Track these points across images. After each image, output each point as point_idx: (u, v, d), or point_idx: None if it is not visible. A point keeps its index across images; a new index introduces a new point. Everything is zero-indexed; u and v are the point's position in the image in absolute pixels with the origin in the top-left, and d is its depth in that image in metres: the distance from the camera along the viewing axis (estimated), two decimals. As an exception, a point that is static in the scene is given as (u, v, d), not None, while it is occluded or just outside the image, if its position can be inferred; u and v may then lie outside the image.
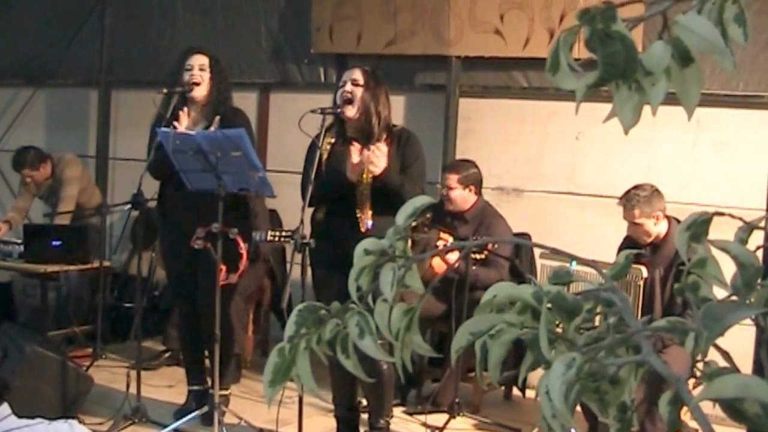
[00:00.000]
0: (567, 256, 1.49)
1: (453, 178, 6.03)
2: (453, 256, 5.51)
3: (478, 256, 5.80)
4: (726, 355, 1.24)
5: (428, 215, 5.88)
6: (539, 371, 1.24)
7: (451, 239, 5.82)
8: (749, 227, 1.28)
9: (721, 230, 1.36)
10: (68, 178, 7.51)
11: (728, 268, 1.29)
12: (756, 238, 1.31)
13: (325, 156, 5.09)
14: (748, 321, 1.19)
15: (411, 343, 1.35)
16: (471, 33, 6.75)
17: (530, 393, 6.20)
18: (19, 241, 7.00)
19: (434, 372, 6.36)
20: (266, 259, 6.79)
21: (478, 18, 6.72)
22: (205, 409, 5.30)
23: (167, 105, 5.40)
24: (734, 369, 1.19)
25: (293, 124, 4.93)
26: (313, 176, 4.85)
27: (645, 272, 5.02)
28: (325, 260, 4.97)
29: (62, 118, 9.12)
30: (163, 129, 5.18)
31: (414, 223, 1.42)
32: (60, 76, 8.93)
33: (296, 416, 4.82)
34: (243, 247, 5.33)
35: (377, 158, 4.82)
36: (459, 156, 6.79)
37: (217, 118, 5.36)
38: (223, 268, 5.18)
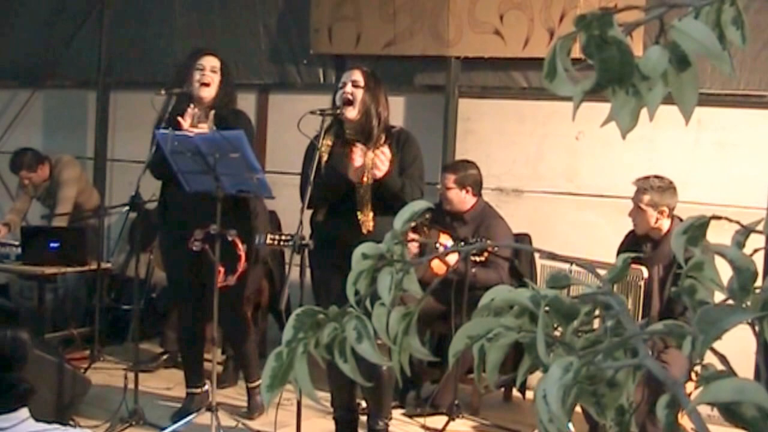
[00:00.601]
0: (565, 260, 1.49)
1: (450, 178, 6.02)
2: (452, 258, 5.49)
3: (478, 258, 5.78)
4: (722, 358, 1.23)
5: (427, 216, 5.86)
6: (540, 372, 1.23)
7: (450, 240, 5.81)
8: (746, 230, 1.28)
9: (722, 231, 1.35)
10: (66, 179, 7.49)
11: (728, 269, 1.28)
12: (757, 240, 1.30)
13: (324, 157, 5.07)
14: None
15: (409, 346, 1.35)
16: (470, 33, 6.73)
17: (530, 395, 6.18)
18: (17, 242, 6.98)
19: (433, 373, 6.34)
20: (264, 260, 6.77)
21: (477, 18, 6.70)
22: (203, 411, 5.29)
23: (168, 106, 5.41)
24: (731, 372, 1.19)
25: (292, 125, 4.91)
26: (312, 177, 4.84)
27: (646, 273, 5.01)
28: (325, 262, 4.95)
29: (60, 119, 9.10)
30: (161, 130, 5.17)
31: (413, 224, 1.42)
32: (58, 78, 8.92)
33: (294, 418, 4.81)
34: (241, 248, 5.31)
35: (381, 162, 4.82)
36: (458, 157, 6.77)
37: (212, 113, 5.38)
38: (222, 269, 5.17)
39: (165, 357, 6.82)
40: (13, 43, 9.08)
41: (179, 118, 5.24)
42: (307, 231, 4.94)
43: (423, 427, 5.70)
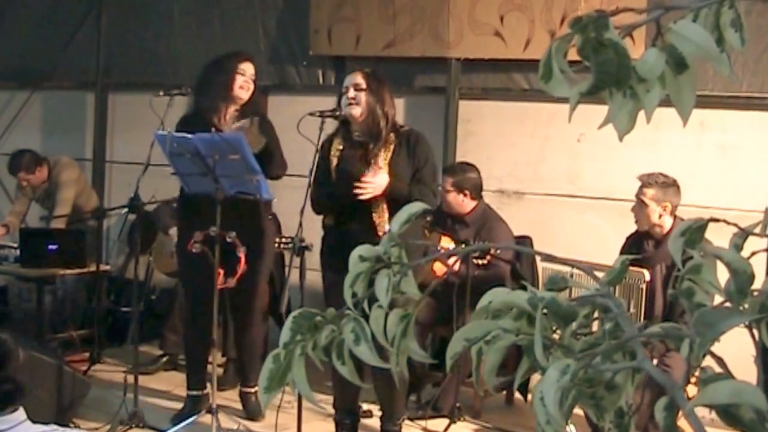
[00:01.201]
0: (564, 262, 1.52)
1: (448, 181, 6.01)
2: (453, 259, 5.48)
3: (480, 262, 5.76)
4: (720, 360, 1.23)
5: (428, 218, 5.84)
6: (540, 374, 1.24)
7: (452, 242, 5.79)
8: (744, 233, 1.29)
9: (724, 233, 1.35)
10: (64, 181, 7.47)
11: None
12: (757, 243, 1.30)
13: (335, 162, 5.07)
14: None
15: (407, 349, 1.36)
16: (471, 35, 6.71)
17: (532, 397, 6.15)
18: (15, 244, 6.97)
19: (434, 376, 6.32)
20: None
21: (478, 20, 6.67)
22: (203, 414, 5.27)
23: (192, 106, 5.59)
24: (728, 375, 1.19)
25: (291, 126, 4.90)
26: (311, 180, 4.85)
27: (647, 276, 5.00)
28: (338, 265, 4.93)
29: (59, 121, 9.08)
30: (160, 132, 5.16)
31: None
32: (56, 79, 8.90)
33: (295, 421, 4.79)
34: (241, 251, 5.29)
35: (373, 190, 4.88)
36: (459, 159, 6.75)
37: (256, 119, 5.47)
38: (221, 272, 5.15)
39: (165, 359, 6.80)
40: (11, 44, 9.07)
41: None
42: (306, 233, 4.92)
43: (424, 430, 5.68)
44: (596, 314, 1.29)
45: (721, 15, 1.20)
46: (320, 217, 5.21)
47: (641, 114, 1.20)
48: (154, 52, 8.29)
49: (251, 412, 5.75)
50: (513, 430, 5.73)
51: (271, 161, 5.42)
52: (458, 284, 5.62)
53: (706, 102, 5.68)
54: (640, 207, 5.17)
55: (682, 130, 1.29)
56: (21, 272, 6.86)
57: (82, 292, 7.55)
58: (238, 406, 5.87)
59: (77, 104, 8.97)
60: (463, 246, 5.64)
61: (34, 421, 3.13)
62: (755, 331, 1.19)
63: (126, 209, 5.85)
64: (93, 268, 6.86)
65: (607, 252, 5.12)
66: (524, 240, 6.31)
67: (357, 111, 5.02)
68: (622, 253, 5.22)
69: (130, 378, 5.45)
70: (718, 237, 1.30)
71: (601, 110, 1.19)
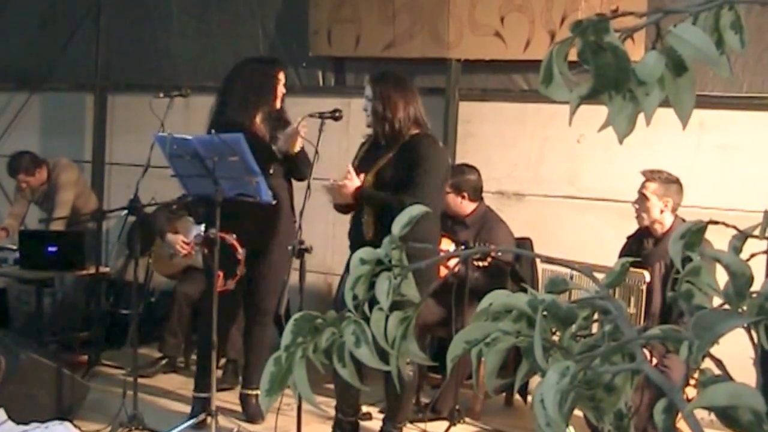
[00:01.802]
0: (564, 264, 1.51)
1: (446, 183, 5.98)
2: (453, 262, 5.46)
3: (481, 264, 5.75)
4: (719, 362, 1.23)
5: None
6: (540, 377, 1.24)
7: (452, 243, 5.77)
8: (743, 235, 1.29)
9: (726, 235, 1.34)
10: (64, 183, 7.46)
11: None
12: (757, 244, 1.30)
13: (355, 164, 5.15)
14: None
15: (407, 351, 1.37)
16: (471, 35, 6.70)
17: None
18: (15, 247, 6.96)
19: (434, 378, 6.31)
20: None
21: (478, 20, 6.66)
22: (202, 416, 5.26)
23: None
24: (727, 377, 1.20)
25: (291, 127, 4.88)
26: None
27: (648, 277, 4.99)
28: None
29: (57, 122, 9.07)
30: (160, 134, 5.16)
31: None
32: (55, 81, 8.89)
33: (295, 424, 4.78)
34: (240, 253, 5.28)
35: (340, 196, 5.01)
36: (459, 160, 6.73)
37: (300, 121, 5.50)
38: (221, 273, 5.14)
39: (164, 362, 6.79)
40: (10, 45, 9.05)
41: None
42: (305, 235, 4.92)
43: (424, 432, 5.67)
44: (596, 316, 1.30)
45: (721, 17, 1.20)
46: (320, 219, 5.24)
47: (641, 115, 1.20)
48: (154, 53, 8.28)
49: (251, 414, 5.73)
50: (513, 432, 5.72)
51: (305, 161, 5.45)
52: (457, 285, 5.60)
53: (705, 102, 5.67)
54: (642, 201, 5.20)
55: (682, 131, 1.29)
56: (20, 274, 6.85)
57: (82, 295, 7.54)
58: (238, 407, 5.85)
59: (76, 106, 8.96)
60: (463, 248, 5.63)
61: (16, 423, 3.13)
62: (754, 333, 1.19)
63: (125, 211, 5.84)
64: (92, 271, 6.84)
65: (607, 253, 5.10)
66: (524, 241, 6.29)
67: (367, 121, 5.10)
68: (622, 253, 5.23)
69: (130, 380, 5.44)
70: (720, 238, 1.29)
71: (600, 111, 1.19)
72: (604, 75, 1.16)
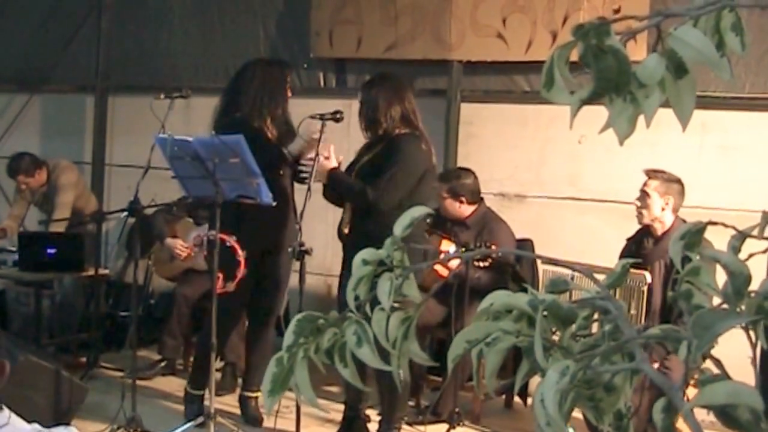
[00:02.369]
0: (564, 265, 1.54)
1: (443, 188, 5.96)
2: (454, 262, 5.45)
3: (482, 264, 5.73)
4: (717, 362, 1.24)
5: (428, 221, 5.81)
6: (539, 378, 1.23)
7: (452, 245, 5.75)
8: (742, 235, 1.30)
9: (726, 235, 1.34)
10: (63, 184, 7.44)
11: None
12: (757, 245, 1.30)
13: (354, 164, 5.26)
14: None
15: (408, 351, 1.37)
16: (472, 37, 6.69)
17: (531, 401, 6.12)
18: (14, 248, 6.94)
19: (433, 381, 6.29)
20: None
21: (479, 22, 6.65)
22: (201, 419, 5.25)
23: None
24: (726, 376, 1.20)
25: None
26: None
27: (648, 278, 4.98)
28: None
29: (58, 124, 9.07)
30: (160, 135, 5.14)
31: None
32: (55, 82, 8.89)
33: (294, 426, 4.77)
34: (240, 255, 5.27)
35: (320, 175, 5.11)
36: (460, 161, 6.74)
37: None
38: (221, 275, 5.12)
39: (163, 364, 6.77)
40: (10, 47, 9.06)
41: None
42: (305, 237, 4.91)
43: (424, 435, 5.65)
44: (596, 316, 1.30)
45: (722, 19, 1.21)
46: (320, 220, 5.26)
47: (641, 116, 1.21)
48: (154, 54, 8.28)
49: (250, 417, 5.70)
50: (514, 434, 5.70)
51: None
52: (457, 286, 5.58)
53: (707, 103, 5.66)
54: (643, 198, 5.21)
55: (682, 132, 1.29)
56: (19, 276, 6.83)
57: (81, 296, 7.52)
58: (237, 410, 5.83)
59: (76, 107, 8.95)
60: (464, 249, 5.60)
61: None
62: (752, 333, 1.19)
63: (125, 213, 5.82)
64: (92, 272, 6.83)
65: (608, 254, 5.08)
66: (525, 243, 6.28)
67: (360, 124, 5.21)
68: (623, 254, 5.22)
69: (129, 382, 5.42)
70: (720, 238, 1.28)
71: (601, 112, 1.20)
72: (605, 78, 1.17)
